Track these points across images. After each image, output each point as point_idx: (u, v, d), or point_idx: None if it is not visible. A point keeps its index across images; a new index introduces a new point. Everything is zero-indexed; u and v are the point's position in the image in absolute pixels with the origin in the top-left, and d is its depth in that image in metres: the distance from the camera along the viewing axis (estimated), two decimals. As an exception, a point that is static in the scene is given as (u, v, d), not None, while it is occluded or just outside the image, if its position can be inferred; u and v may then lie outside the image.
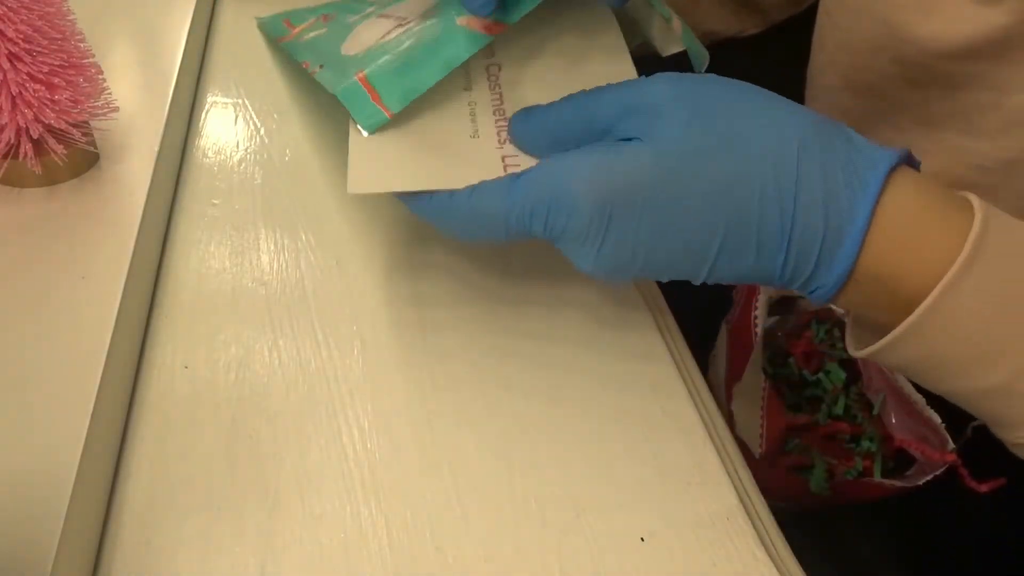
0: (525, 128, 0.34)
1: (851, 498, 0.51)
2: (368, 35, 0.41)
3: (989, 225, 0.29)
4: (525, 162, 0.34)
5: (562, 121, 0.33)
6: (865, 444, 0.52)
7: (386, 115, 0.34)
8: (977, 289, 0.28)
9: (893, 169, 0.30)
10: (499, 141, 0.35)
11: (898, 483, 0.48)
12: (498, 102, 0.37)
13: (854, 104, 0.49)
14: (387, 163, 0.34)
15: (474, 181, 0.33)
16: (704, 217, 0.30)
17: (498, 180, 0.33)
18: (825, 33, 0.50)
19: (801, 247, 0.30)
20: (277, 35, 0.51)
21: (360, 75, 0.36)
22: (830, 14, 0.49)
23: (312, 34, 0.47)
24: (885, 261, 0.30)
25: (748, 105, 0.31)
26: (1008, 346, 0.29)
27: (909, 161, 0.31)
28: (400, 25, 0.40)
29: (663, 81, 0.31)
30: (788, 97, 0.32)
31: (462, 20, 0.36)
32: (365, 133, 0.35)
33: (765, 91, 0.32)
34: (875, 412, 0.51)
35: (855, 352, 0.33)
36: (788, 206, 0.29)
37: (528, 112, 0.35)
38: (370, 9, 0.45)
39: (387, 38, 0.39)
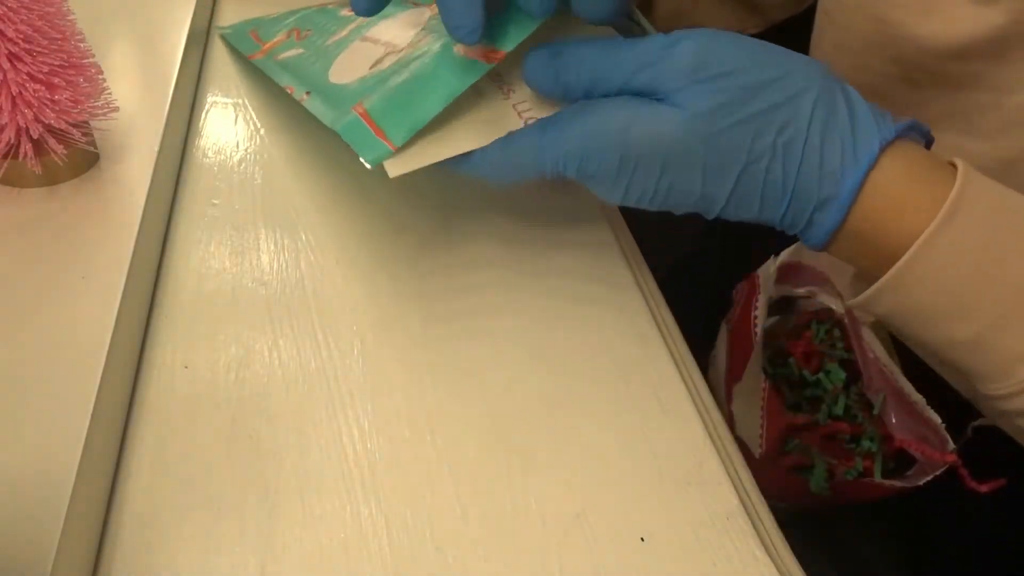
0: (546, 70, 0.34)
1: (851, 498, 0.51)
2: (357, 62, 0.41)
3: (968, 188, 0.31)
4: (537, 108, 0.35)
5: (587, 69, 0.33)
6: (865, 444, 0.52)
7: (390, 148, 0.34)
8: (953, 245, 0.31)
9: (889, 144, 0.32)
10: (504, 93, 0.36)
11: (898, 483, 0.48)
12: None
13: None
14: (413, 140, 0.35)
15: (499, 135, 0.34)
16: (719, 175, 0.33)
17: (527, 131, 0.35)
18: (824, 33, 0.50)
19: (798, 204, 0.33)
20: (247, 51, 0.50)
21: (360, 109, 0.36)
22: (828, 14, 0.49)
23: (287, 53, 0.46)
24: (870, 221, 0.33)
25: (766, 61, 0.33)
26: (981, 300, 0.31)
27: (918, 128, 0.34)
28: (392, 53, 0.39)
29: (687, 39, 0.33)
30: None
31: (459, 48, 0.35)
32: (369, 167, 0.34)
33: (779, 47, 0.34)
34: (875, 412, 0.51)
35: (844, 303, 0.35)
36: (792, 171, 0.32)
37: (550, 53, 0.34)
38: (351, 26, 0.45)
39: (380, 67, 0.39)
